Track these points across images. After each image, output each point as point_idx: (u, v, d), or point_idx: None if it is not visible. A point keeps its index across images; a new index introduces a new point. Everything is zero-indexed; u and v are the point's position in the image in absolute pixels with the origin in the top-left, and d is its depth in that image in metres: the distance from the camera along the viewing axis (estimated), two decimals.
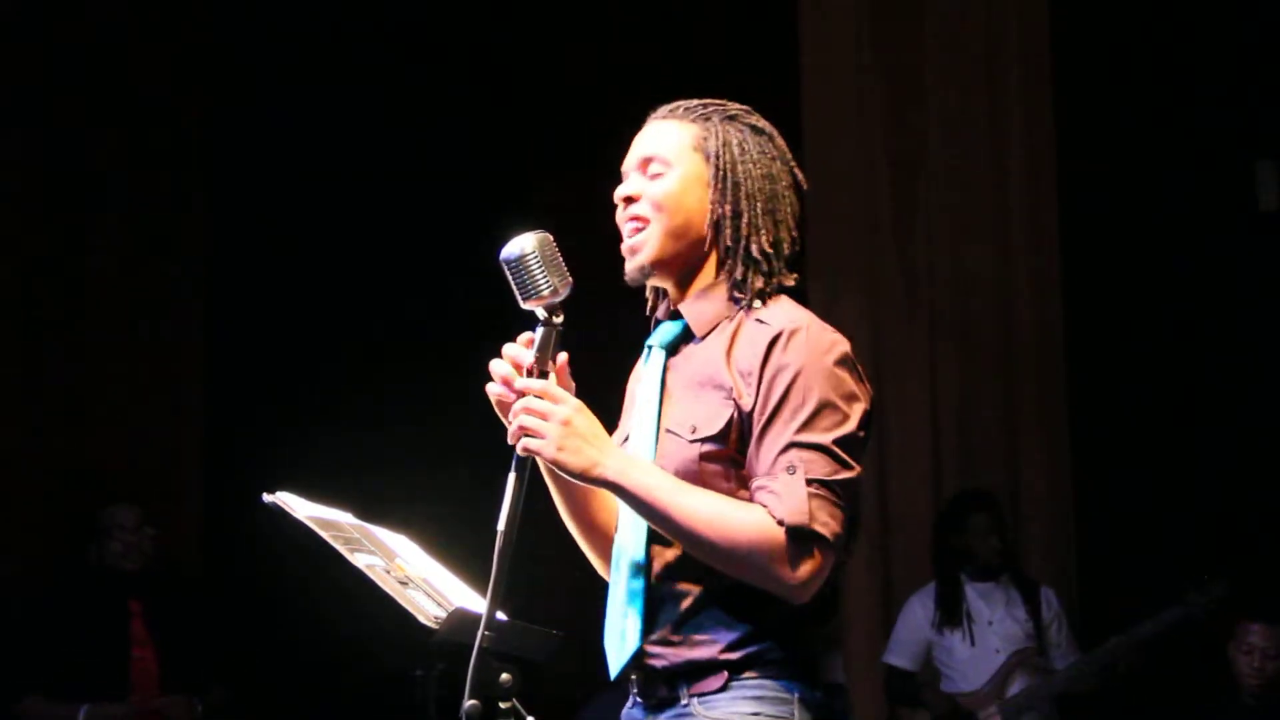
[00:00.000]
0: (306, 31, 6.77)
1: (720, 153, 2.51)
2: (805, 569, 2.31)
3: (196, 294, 6.66)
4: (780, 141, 2.57)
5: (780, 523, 2.30)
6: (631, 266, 2.54)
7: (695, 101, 2.59)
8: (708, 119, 2.55)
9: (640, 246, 2.52)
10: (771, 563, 2.31)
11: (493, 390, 2.41)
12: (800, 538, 2.30)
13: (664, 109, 2.60)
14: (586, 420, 2.36)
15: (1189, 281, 6.24)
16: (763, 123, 2.58)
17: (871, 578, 6.17)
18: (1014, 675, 5.68)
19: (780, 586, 2.32)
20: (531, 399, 2.35)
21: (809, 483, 2.32)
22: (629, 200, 2.54)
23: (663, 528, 2.37)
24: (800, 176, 2.57)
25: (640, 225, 2.52)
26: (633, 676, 2.47)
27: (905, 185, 6.35)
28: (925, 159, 6.36)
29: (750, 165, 2.51)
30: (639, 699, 2.48)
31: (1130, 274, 6.31)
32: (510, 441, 2.35)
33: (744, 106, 2.59)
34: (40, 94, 6.30)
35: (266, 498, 2.59)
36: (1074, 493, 6.22)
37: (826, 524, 2.31)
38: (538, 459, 2.44)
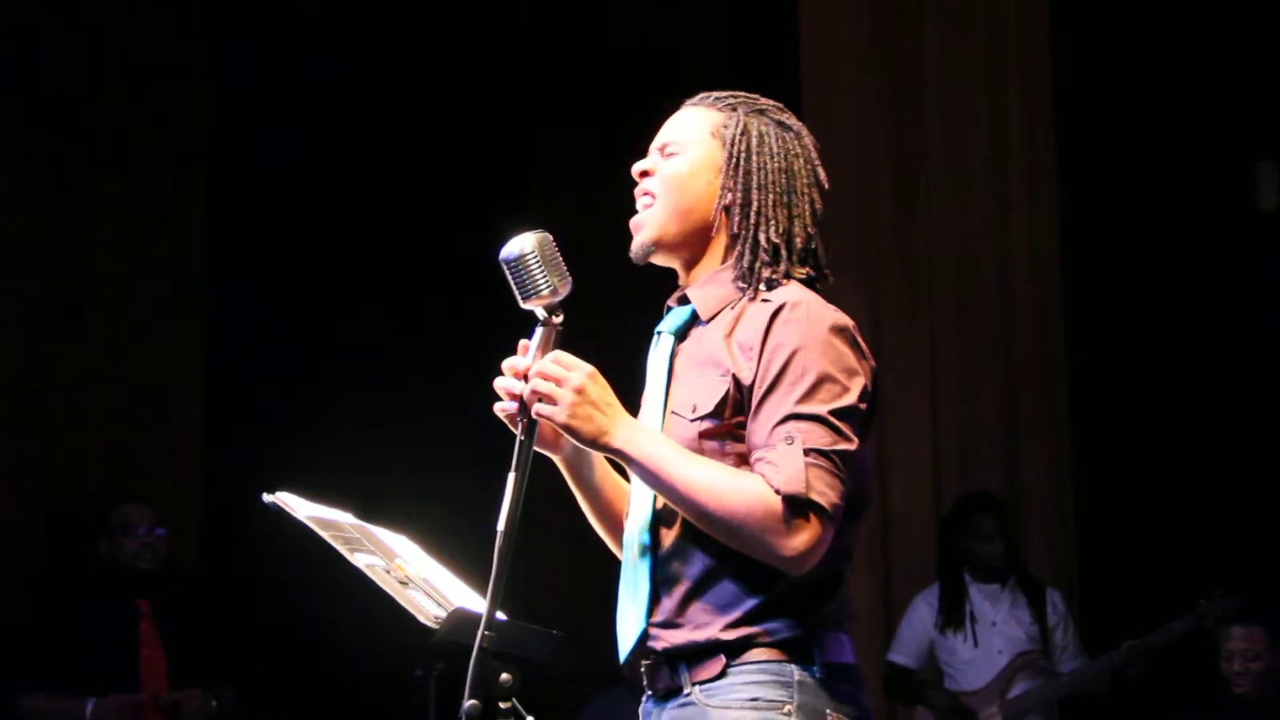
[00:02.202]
0: (306, 31, 6.77)
1: (737, 139, 2.52)
2: (802, 539, 2.30)
3: (196, 294, 6.65)
4: (807, 141, 2.57)
5: (778, 492, 2.30)
6: (635, 243, 2.56)
7: (726, 93, 2.60)
8: (734, 109, 2.56)
9: (643, 224, 2.55)
10: (767, 532, 2.31)
11: (500, 409, 2.42)
12: (797, 507, 2.30)
13: (696, 97, 2.62)
14: (599, 388, 2.37)
15: (1189, 281, 6.24)
16: (792, 120, 2.58)
17: (871, 577, 6.16)
18: (1017, 677, 5.69)
19: (776, 557, 2.32)
20: (547, 364, 2.36)
21: (807, 452, 2.32)
22: (644, 175, 2.56)
23: (667, 496, 2.38)
24: (823, 177, 2.56)
25: (649, 202, 2.55)
26: (641, 666, 2.48)
27: (905, 185, 6.36)
28: (925, 158, 6.36)
29: (766, 157, 2.51)
30: (648, 688, 2.48)
31: (1130, 274, 6.31)
32: (526, 403, 2.36)
33: (776, 103, 2.60)
34: (39, 94, 6.30)
35: (266, 498, 2.59)
36: (1074, 492, 6.22)
37: (824, 494, 2.31)
38: (547, 453, 2.50)
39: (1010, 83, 6.34)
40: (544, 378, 2.35)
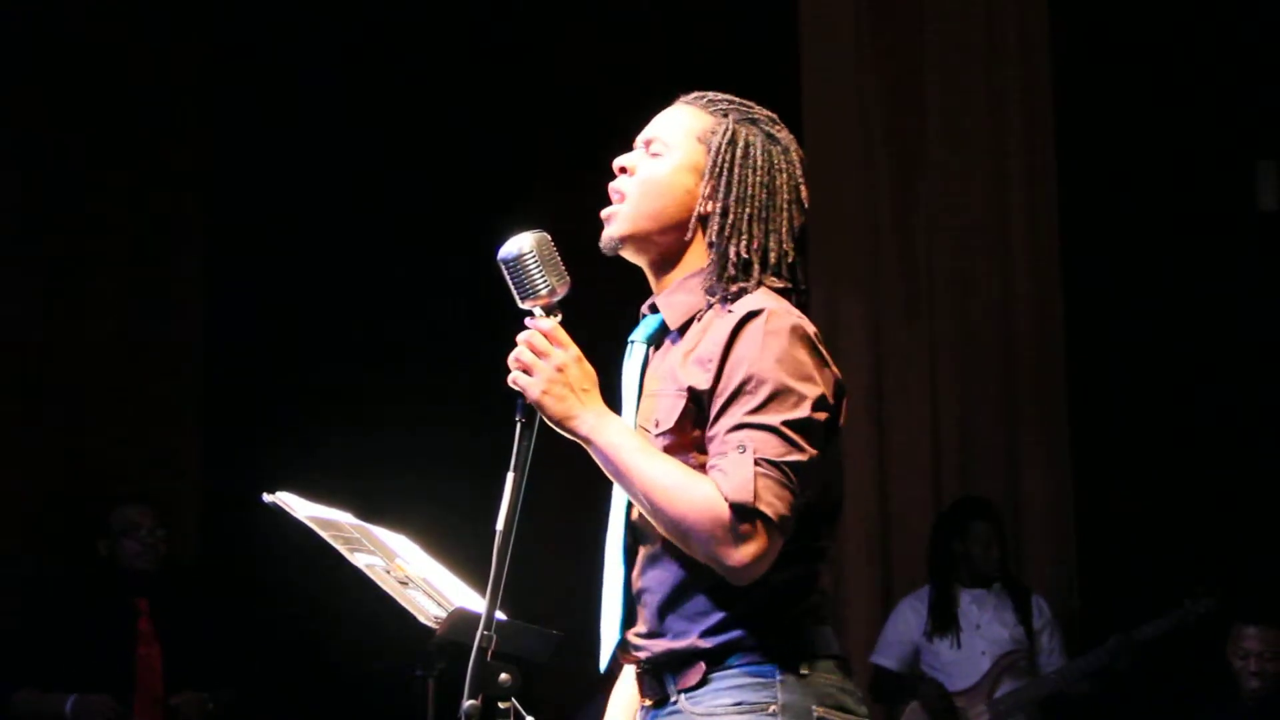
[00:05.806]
0: (306, 32, 6.77)
1: (722, 148, 2.49)
2: (748, 549, 2.29)
3: (196, 294, 6.65)
4: (795, 156, 2.53)
5: (726, 499, 2.30)
6: (605, 235, 2.54)
7: (723, 96, 2.57)
8: (725, 115, 2.53)
9: (613, 217, 2.53)
10: (714, 540, 2.30)
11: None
12: (744, 515, 2.29)
13: (692, 95, 2.59)
14: (579, 372, 2.38)
15: (1189, 281, 6.23)
16: (782, 134, 2.54)
17: (871, 578, 6.16)
18: (1002, 679, 5.69)
19: (721, 565, 2.31)
20: (535, 336, 2.38)
21: (757, 462, 2.31)
22: (623, 170, 2.55)
23: (625, 490, 2.39)
24: (805, 195, 2.52)
25: (619, 199, 2.53)
26: (637, 673, 2.49)
27: (905, 185, 6.35)
28: (925, 159, 6.35)
29: (749, 169, 2.48)
30: (643, 698, 2.50)
31: (1130, 274, 6.31)
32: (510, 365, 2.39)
33: (770, 114, 2.56)
34: (39, 94, 6.30)
35: (266, 498, 2.60)
36: (1074, 495, 6.21)
37: (771, 504, 2.30)
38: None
39: (1010, 82, 6.34)
40: (530, 348, 2.38)
